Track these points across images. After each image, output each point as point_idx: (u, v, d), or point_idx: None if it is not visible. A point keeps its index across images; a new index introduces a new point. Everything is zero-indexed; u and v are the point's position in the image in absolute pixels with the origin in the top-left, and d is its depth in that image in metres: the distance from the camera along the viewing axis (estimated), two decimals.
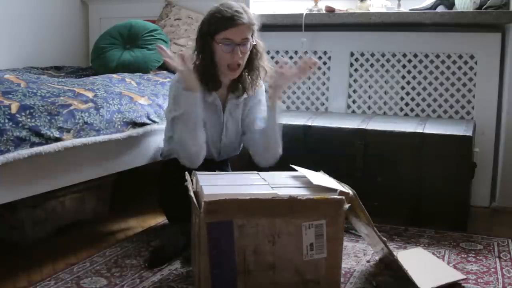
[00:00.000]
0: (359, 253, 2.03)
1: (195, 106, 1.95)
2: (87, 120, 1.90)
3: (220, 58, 2.01)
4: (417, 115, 2.87)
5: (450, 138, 2.33)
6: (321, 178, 1.77)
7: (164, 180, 2.17)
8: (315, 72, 3.06)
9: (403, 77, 2.90)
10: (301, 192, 1.63)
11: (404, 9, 2.81)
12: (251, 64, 2.09)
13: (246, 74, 2.10)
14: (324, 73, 3.06)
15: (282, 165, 2.04)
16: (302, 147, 2.49)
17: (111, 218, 2.44)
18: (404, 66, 2.89)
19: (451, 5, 2.74)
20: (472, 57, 2.75)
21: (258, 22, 2.06)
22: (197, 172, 1.82)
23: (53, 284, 1.72)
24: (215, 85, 2.07)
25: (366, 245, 2.08)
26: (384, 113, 2.94)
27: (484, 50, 2.71)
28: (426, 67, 2.84)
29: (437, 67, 2.83)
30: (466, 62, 2.77)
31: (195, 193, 1.67)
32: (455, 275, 1.79)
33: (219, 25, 1.98)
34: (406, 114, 2.89)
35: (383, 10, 2.82)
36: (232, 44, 1.98)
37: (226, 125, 2.13)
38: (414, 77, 2.87)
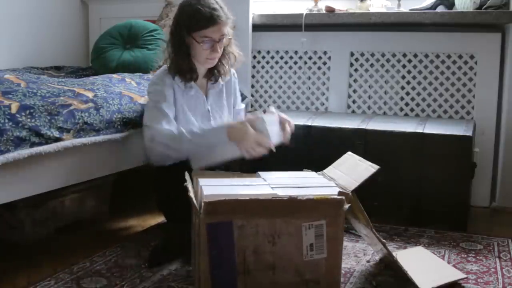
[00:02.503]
0: (359, 253, 2.03)
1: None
2: (87, 120, 1.90)
3: (198, 53, 2.04)
4: (417, 115, 2.87)
5: (450, 138, 2.33)
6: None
7: (161, 182, 2.17)
8: (315, 72, 3.07)
9: (403, 77, 2.90)
10: (301, 192, 1.63)
11: (404, 9, 2.80)
12: (224, 52, 2.13)
13: (220, 61, 2.15)
14: (324, 73, 3.06)
15: (282, 165, 2.04)
16: (302, 147, 2.49)
17: (111, 218, 2.44)
18: (404, 66, 2.89)
19: (451, 5, 2.74)
20: (472, 57, 2.75)
21: (232, 16, 2.09)
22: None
23: (53, 284, 1.72)
24: (193, 76, 2.11)
25: (366, 245, 2.08)
26: (384, 113, 2.94)
27: (484, 50, 2.71)
28: (426, 67, 2.84)
29: (437, 67, 2.83)
30: (466, 62, 2.77)
31: (195, 193, 1.67)
32: (455, 274, 1.79)
33: (198, 23, 1.99)
34: (406, 114, 2.89)
35: (383, 10, 2.82)
36: (211, 42, 2.02)
37: (212, 114, 2.17)
38: (414, 77, 2.87)
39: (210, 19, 1.98)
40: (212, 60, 2.08)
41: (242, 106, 2.37)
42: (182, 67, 2.06)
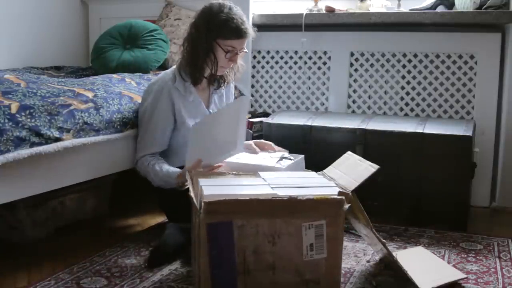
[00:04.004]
0: (359, 253, 2.03)
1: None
2: (87, 120, 1.90)
3: (218, 59, 2.10)
4: (417, 115, 2.87)
5: (450, 138, 2.33)
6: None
7: None
8: (315, 72, 3.07)
9: (403, 77, 2.90)
10: (301, 192, 1.63)
11: (404, 9, 2.80)
12: None
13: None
14: (324, 73, 3.06)
15: None
16: (302, 147, 2.49)
17: (111, 218, 2.44)
18: (404, 66, 2.89)
19: (451, 5, 2.74)
20: (472, 57, 2.75)
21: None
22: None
23: (53, 284, 1.72)
24: (199, 80, 2.15)
25: (366, 245, 2.08)
26: (384, 113, 2.94)
27: (484, 50, 2.71)
28: (426, 67, 2.84)
29: (437, 67, 2.83)
30: (466, 62, 2.77)
31: (195, 193, 1.67)
32: (455, 274, 1.79)
33: (229, 33, 2.05)
34: (406, 114, 2.89)
35: (383, 10, 2.82)
36: (233, 52, 2.09)
37: None
38: (414, 77, 2.87)
39: (241, 32, 2.06)
40: (225, 69, 2.15)
41: None
42: (193, 67, 2.11)
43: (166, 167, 2.04)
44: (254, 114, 2.89)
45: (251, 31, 2.10)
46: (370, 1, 2.84)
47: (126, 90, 2.20)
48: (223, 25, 2.05)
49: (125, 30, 2.81)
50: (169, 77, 2.13)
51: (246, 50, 2.14)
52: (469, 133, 2.32)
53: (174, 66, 2.19)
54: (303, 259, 1.59)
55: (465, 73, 2.77)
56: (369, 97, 2.97)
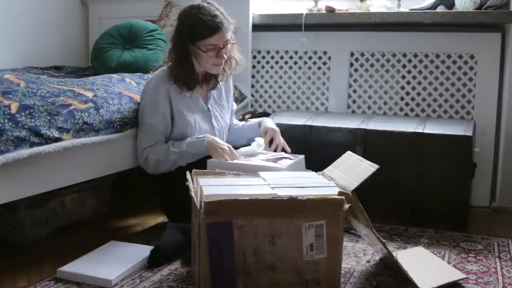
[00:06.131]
0: (359, 253, 2.03)
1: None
2: (86, 120, 1.90)
3: (204, 61, 2.09)
4: (417, 115, 2.87)
5: (450, 138, 2.33)
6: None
7: (164, 181, 2.17)
8: (315, 72, 3.07)
9: (403, 77, 2.90)
10: (301, 192, 1.63)
11: (404, 9, 2.80)
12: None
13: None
14: (324, 73, 3.06)
15: None
16: (302, 147, 2.49)
17: (111, 218, 2.44)
18: (404, 66, 2.89)
19: (451, 5, 2.74)
20: (472, 57, 2.75)
21: (233, 19, 2.12)
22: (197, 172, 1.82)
23: (53, 284, 1.72)
24: (192, 86, 2.15)
25: (366, 245, 2.08)
26: (384, 113, 2.94)
27: (484, 50, 2.71)
28: (426, 67, 2.84)
29: (437, 67, 2.83)
30: (466, 62, 2.77)
31: (196, 193, 1.67)
32: (455, 274, 1.79)
33: (201, 33, 2.03)
34: (406, 114, 2.89)
35: (383, 10, 2.82)
36: (216, 49, 2.06)
37: (212, 113, 2.23)
38: (414, 77, 2.87)
39: (213, 28, 2.02)
40: (218, 66, 2.12)
41: (234, 106, 2.44)
42: (184, 77, 2.10)
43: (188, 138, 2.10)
44: (254, 114, 2.88)
45: (226, 22, 2.04)
46: (370, 1, 2.84)
47: (126, 90, 2.20)
48: (194, 27, 2.03)
49: (125, 30, 2.81)
50: (164, 74, 2.13)
51: (232, 41, 2.10)
52: (469, 133, 2.32)
53: (166, 67, 2.17)
54: (303, 259, 1.59)
55: (465, 73, 2.77)
56: (369, 97, 2.97)
